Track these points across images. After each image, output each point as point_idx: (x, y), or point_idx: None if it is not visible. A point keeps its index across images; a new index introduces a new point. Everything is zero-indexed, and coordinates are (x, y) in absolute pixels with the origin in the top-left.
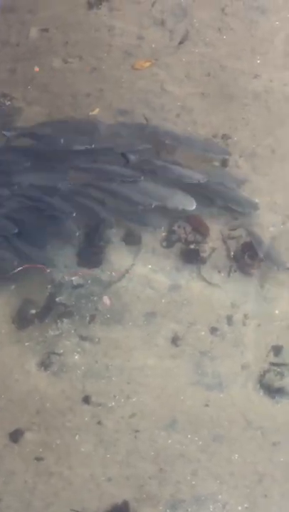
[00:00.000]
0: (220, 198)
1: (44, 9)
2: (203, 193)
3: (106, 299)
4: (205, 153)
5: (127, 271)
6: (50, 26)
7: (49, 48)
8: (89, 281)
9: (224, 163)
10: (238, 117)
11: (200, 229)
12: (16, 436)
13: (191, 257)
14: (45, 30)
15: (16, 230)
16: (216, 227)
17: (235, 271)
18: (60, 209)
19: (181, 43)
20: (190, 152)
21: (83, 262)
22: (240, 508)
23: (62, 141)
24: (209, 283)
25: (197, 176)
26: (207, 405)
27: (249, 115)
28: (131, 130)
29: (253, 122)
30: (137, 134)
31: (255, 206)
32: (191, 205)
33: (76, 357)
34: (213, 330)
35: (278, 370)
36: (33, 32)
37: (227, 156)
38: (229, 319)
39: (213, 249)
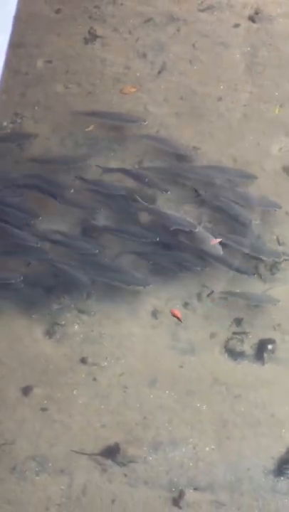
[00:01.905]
0: (251, 249)
1: (48, 44)
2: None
3: None
4: (259, 207)
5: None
6: (53, 58)
7: (52, 76)
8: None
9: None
10: (206, 132)
11: None
12: (26, 391)
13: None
14: (49, 61)
15: (97, 251)
16: None
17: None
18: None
19: (160, 72)
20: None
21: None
22: (207, 448)
23: (146, 180)
24: None
25: (250, 217)
26: (181, 366)
27: (214, 131)
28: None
29: (217, 136)
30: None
31: (278, 255)
32: (218, 252)
33: (75, 327)
34: (186, 304)
35: (239, 337)
36: (40, 63)
37: (278, 209)
38: (199, 296)
39: None
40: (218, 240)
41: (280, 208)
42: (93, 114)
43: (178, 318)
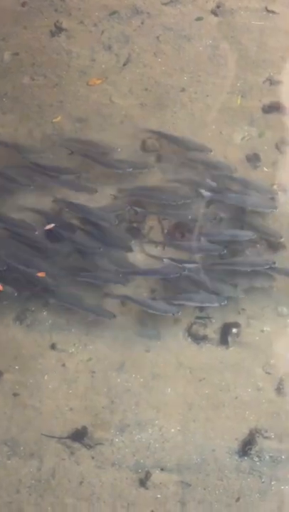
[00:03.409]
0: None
1: (15, 37)
2: None
3: None
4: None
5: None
6: (20, 51)
7: (19, 68)
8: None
9: None
10: (169, 122)
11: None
12: None
13: (134, 233)
14: (16, 53)
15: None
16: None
17: (168, 246)
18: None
19: (125, 64)
20: None
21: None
22: (173, 430)
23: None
24: (149, 255)
25: (249, 233)
26: (148, 351)
27: (178, 120)
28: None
29: (180, 126)
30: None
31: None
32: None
33: (44, 313)
34: (152, 291)
35: (202, 322)
36: (7, 55)
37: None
38: (164, 286)
39: (151, 228)
40: (51, 225)
41: (275, 208)
42: (160, 134)
43: None
